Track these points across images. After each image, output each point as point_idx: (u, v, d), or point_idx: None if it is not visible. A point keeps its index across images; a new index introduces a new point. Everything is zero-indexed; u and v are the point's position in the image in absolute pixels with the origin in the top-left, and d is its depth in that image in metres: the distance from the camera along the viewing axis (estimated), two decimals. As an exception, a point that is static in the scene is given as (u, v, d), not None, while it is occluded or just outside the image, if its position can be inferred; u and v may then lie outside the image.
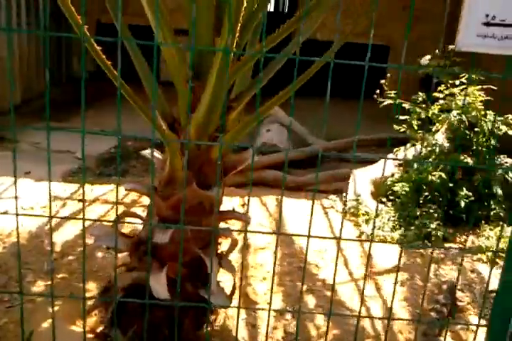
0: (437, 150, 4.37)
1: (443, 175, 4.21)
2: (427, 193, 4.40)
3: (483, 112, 4.58)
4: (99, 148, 5.32)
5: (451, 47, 4.81)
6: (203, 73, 2.05)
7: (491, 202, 4.54)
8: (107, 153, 5.36)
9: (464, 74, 4.59)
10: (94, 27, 9.02)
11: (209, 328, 2.37)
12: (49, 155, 1.42)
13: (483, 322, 3.01)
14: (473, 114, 4.49)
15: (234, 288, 2.35)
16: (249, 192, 3.33)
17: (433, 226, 4.10)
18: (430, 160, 4.43)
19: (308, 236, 1.38)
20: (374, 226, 3.53)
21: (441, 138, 4.55)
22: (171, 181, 2.16)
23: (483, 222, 4.43)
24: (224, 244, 2.55)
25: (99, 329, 2.30)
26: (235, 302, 2.44)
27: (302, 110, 4.85)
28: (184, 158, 2.03)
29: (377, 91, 4.60)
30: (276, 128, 5.66)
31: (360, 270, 3.39)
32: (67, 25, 1.84)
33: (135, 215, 2.35)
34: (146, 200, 3.88)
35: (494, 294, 3.38)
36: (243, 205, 4.27)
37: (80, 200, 3.99)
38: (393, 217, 4.23)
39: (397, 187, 4.34)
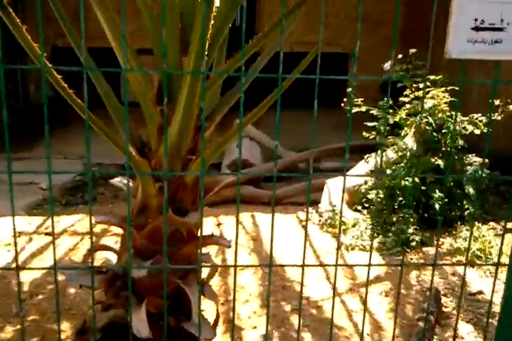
0: (408, 154, 4.37)
1: (416, 180, 4.21)
2: (401, 198, 4.40)
3: (448, 113, 4.63)
4: (64, 176, 5.11)
5: (412, 51, 4.88)
6: (172, 94, 1.96)
7: (464, 202, 4.58)
8: (72, 182, 5.13)
9: (427, 77, 4.63)
10: (49, 51, 8.81)
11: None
12: (11, 188, 1.29)
13: (469, 327, 2.99)
14: (440, 115, 4.53)
15: (218, 316, 2.24)
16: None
17: (410, 231, 4.10)
18: (402, 164, 4.44)
19: (303, 266, 1.30)
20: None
21: (410, 141, 4.56)
22: (144, 209, 2.04)
23: (458, 222, 4.46)
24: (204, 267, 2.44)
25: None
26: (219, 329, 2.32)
27: (270, 122, 4.79)
28: (164, 186, 1.93)
29: (344, 99, 4.60)
30: (246, 143, 5.59)
31: (344, 283, 3.32)
32: (21, 50, 1.72)
33: (108, 248, 2.21)
34: (117, 228, 3.72)
35: (475, 296, 3.42)
36: (218, 225, 4.16)
37: (46, 234, 3.78)
38: (370, 224, 4.20)
39: (371, 195, 4.32)
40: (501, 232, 4.61)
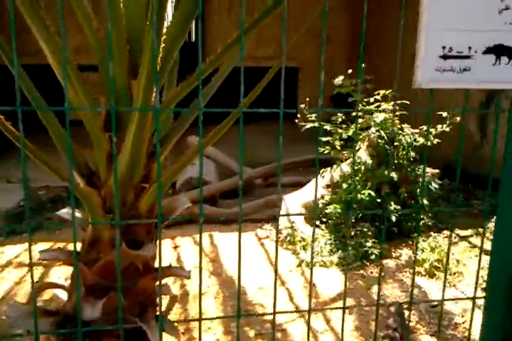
0: (362, 168, 4.39)
1: (372, 193, 4.23)
2: (358, 212, 4.41)
3: (399, 126, 4.70)
4: (7, 202, 4.81)
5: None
6: (122, 120, 1.85)
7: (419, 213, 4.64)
8: (17, 207, 4.84)
9: (377, 92, 4.70)
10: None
11: None
12: None
13: (433, 340, 2.98)
14: (391, 129, 4.59)
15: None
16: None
17: (369, 244, 4.10)
18: (357, 178, 4.45)
19: (274, 314, 1.21)
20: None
21: (364, 155, 4.59)
22: (95, 243, 1.91)
23: (415, 234, 4.51)
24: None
25: None
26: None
27: (222, 138, 4.71)
28: (116, 232, 1.81)
29: (298, 115, 4.59)
30: (197, 160, 5.47)
31: (307, 302, 3.25)
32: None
33: (56, 286, 2.06)
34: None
35: (436, 308, 3.43)
36: (175, 248, 4.02)
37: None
38: (329, 239, 4.17)
39: (329, 210, 4.30)
40: (456, 241, 4.73)
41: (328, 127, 4.47)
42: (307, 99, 4.56)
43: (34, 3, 1.66)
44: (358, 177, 4.43)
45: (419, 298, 3.53)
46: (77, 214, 2.10)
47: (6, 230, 4.33)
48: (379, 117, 4.55)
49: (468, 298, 1.33)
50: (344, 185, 4.41)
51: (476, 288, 1.59)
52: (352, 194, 4.34)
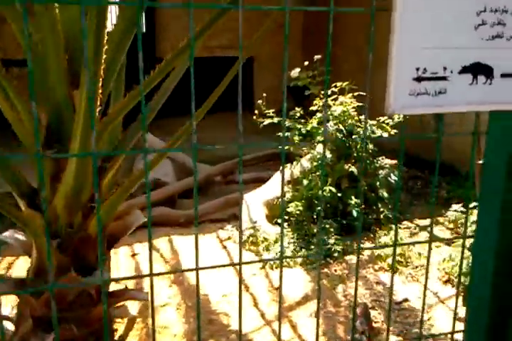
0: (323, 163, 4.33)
1: (332, 190, 4.19)
2: (319, 208, 4.36)
3: (357, 118, 4.66)
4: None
5: (316, 57, 4.85)
6: (63, 135, 1.69)
7: (379, 205, 4.64)
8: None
9: (334, 84, 4.63)
10: None
11: None
12: None
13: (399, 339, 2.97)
14: (349, 122, 4.55)
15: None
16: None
17: (332, 241, 4.06)
18: (317, 174, 4.40)
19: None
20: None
21: (322, 149, 4.54)
22: (42, 271, 1.75)
23: (375, 227, 4.51)
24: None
25: None
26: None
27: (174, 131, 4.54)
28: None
29: (256, 111, 4.47)
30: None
31: (272, 308, 3.18)
32: None
33: (3, 318, 1.89)
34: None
35: (401, 305, 3.43)
36: (133, 255, 3.86)
37: None
38: (292, 238, 4.11)
39: (291, 208, 4.23)
40: (416, 231, 4.76)
41: (286, 122, 4.38)
42: (264, 94, 4.45)
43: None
44: (318, 173, 4.37)
45: (385, 295, 3.52)
46: (20, 237, 1.93)
47: None
48: (337, 110, 4.50)
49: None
50: (305, 182, 4.35)
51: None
52: (313, 190, 4.29)
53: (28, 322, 1.71)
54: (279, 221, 4.43)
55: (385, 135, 4.69)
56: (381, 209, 4.65)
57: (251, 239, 4.08)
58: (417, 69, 0.76)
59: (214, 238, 4.27)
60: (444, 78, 0.77)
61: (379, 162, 4.81)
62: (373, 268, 3.88)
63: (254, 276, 3.57)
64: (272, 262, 3.76)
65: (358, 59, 7.31)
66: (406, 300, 3.40)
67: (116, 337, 1.97)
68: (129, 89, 1.73)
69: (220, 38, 8.56)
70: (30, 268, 1.78)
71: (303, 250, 3.96)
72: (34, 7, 1.59)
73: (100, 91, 1.61)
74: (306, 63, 4.75)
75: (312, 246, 4.00)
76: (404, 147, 0.88)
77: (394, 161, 5.16)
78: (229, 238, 4.24)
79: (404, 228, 4.67)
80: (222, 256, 3.94)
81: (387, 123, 4.72)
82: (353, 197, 4.38)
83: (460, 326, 1.17)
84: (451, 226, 4.68)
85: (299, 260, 3.84)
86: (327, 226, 4.16)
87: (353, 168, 4.42)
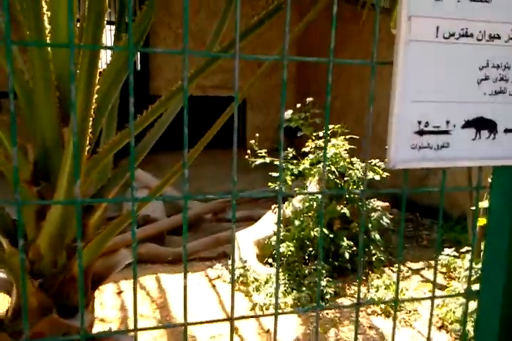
0: (314, 204, 4.30)
1: (325, 231, 4.14)
2: (311, 249, 4.30)
3: (349, 160, 4.67)
4: None
5: (308, 99, 4.91)
6: (51, 172, 1.65)
7: (371, 247, 4.59)
8: None
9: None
10: None
11: None
12: None
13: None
14: (341, 163, 4.55)
15: None
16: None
17: (323, 283, 3.97)
18: (309, 214, 4.36)
19: None
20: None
21: (314, 190, 4.52)
22: (22, 311, 1.67)
23: (367, 270, 4.44)
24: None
25: None
26: None
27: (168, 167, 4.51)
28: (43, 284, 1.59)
29: (248, 151, 4.47)
30: (145, 195, 5.24)
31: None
32: None
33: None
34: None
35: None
36: (119, 293, 3.74)
37: None
38: (283, 279, 4.02)
39: (282, 248, 4.16)
40: (408, 274, 4.69)
41: (278, 162, 4.37)
42: (256, 134, 4.47)
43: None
44: (310, 214, 4.33)
45: (377, 340, 3.42)
46: (1, 275, 1.86)
47: None
48: (329, 152, 4.51)
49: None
50: (296, 222, 4.30)
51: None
52: (305, 231, 4.23)
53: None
54: (270, 261, 4.35)
55: (377, 178, 4.69)
56: (373, 252, 4.59)
57: (241, 278, 3.99)
58: (419, 122, 0.74)
59: (203, 277, 4.17)
60: (446, 132, 0.76)
61: (371, 204, 4.80)
62: (366, 312, 3.78)
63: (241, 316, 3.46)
64: (261, 303, 3.66)
65: (348, 99, 7.44)
66: (399, 346, 3.30)
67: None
68: (122, 127, 1.71)
69: (213, 77, 8.71)
70: (10, 308, 1.70)
71: (294, 291, 3.87)
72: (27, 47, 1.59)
73: (90, 130, 1.58)
74: (299, 105, 4.80)
75: (303, 288, 3.91)
76: (403, 193, 0.85)
77: (386, 203, 5.15)
78: (218, 277, 4.15)
79: (397, 271, 4.59)
80: (211, 296, 3.84)
81: (379, 166, 4.73)
82: (345, 239, 4.33)
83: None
84: (444, 270, 4.61)
85: (290, 302, 3.74)
86: (319, 267, 4.08)
87: (345, 210, 4.39)
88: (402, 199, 0.82)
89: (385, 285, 4.02)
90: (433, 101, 0.73)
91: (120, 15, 1.85)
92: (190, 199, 5.61)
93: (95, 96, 1.55)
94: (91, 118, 1.50)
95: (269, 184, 4.54)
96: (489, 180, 0.84)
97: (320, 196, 4.41)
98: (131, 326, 3.27)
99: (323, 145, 4.50)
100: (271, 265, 4.30)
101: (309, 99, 4.87)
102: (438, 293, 4.08)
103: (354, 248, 4.38)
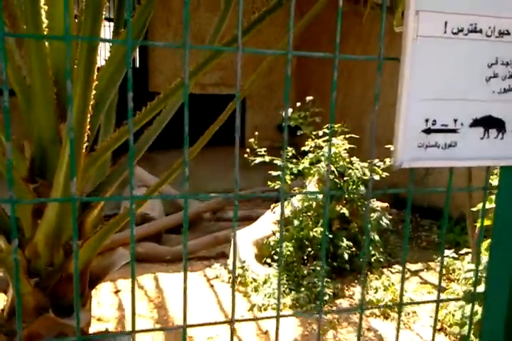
0: (314, 204, 4.28)
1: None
2: (310, 249, 4.28)
3: (348, 160, 4.65)
4: None
5: (308, 98, 4.89)
6: (48, 169, 1.63)
7: (370, 248, 4.57)
8: None
9: (326, 125, 4.64)
10: None
11: None
12: None
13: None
14: (341, 163, 4.53)
15: None
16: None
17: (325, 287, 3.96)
18: (309, 214, 4.34)
19: None
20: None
21: (313, 190, 4.50)
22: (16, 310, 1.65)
23: (366, 270, 4.42)
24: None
25: None
26: None
27: (163, 165, 4.47)
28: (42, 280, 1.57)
29: (248, 150, 4.45)
30: (143, 193, 5.21)
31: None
32: None
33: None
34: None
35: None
36: (116, 292, 3.72)
37: None
38: (281, 280, 4.00)
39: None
40: (407, 276, 4.67)
41: (278, 162, 4.35)
42: (256, 133, 4.45)
43: None
44: (309, 213, 4.31)
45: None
46: (-2, 274, 1.84)
47: None
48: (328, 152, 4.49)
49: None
50: (296, 222, 4.27)
51: None
52: (304, 231, 4.21)
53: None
54: (269, 261, 4.33)
55: (376, 177, 4.67)
56: (372, 252, 4.57)
57: (239, 279, 3.97)
58: (426, 120, 0.72)
59: (201, 276, 4.14)
60: (454, 131, 0.73)
61: (370, 204, 4.77)
62: (364, 314, 3.77)
63: (241, 318, 3.44)
64: (260, 304, 3.64)
65: (348, 98, 7.41)
66: (397, 348, 3.28)
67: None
68: (120, 124, 1.69)
69: (212, 75, 8.70)
70: (6, 307, 1.68)
71: (292, 292, 3.84)
72: (23, 40, 1.56)
73: (89, 126, 1.56)
74: (299, 104, 4.78)
75: (302, 288, 3.89)
76: (408, 193, 0.83)
77: (385, 204, 5.12)
78: (216, 277, 4.12)
79: (395, 272, 4.58)
80: (209, 296, 3.81)
81: (379, 166, 4.71)
82: (344, 239, 4.31)
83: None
84: (443, 271, 4.60)
85: (289, 303, 3.72)
86: (318, 268, 4.07)
87: (344, 210, 4.37)
88: (407, 199, 0.79)
89: (384, 286, 4.00)
90: (440, 99, 0.71)
91: (119, 11, 1.83)
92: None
93: (93, 92, 1.53)
94: (89, 115, 1.48)
95: (269, 183, 4.51)
96: (493, 182, 0.82)
97: (320, 196, 4.39)
98: (128, 325, 3.24)
99: (322, 144, 4.48)
100: (270, 265, 4.28)
101: (309, 98, 4.85)
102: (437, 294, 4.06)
103: (353, 248, 4.36)
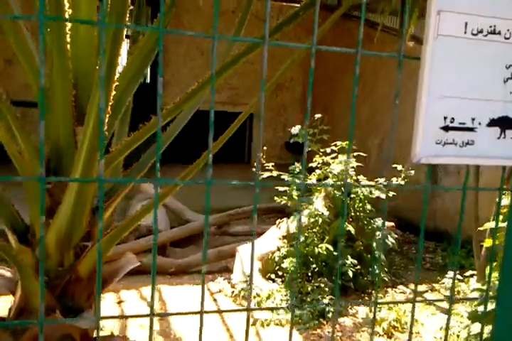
0: (320, 220, 4.28)
1: (330, 247, 4.11)
2: (314, 265, 4.26)
3: (355, 178, 4.67)
4: None
5: (316, 116, 4.93)
6: (63, 171, 1.65)
7: (375, 267, 4.54)
8: None
9: (334, 143, 4.67)
10: None
11: None
12: None
13: None
14: (348, 180, 4.54)
15: None
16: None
17: (326, 301, 3.92)
18: (314, 230, 4.33)
19: None
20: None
21: (320, 206, 4.50)
22: (25, 310, 1.65)
23: (370, 289, 4.39)
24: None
25: None
26: None
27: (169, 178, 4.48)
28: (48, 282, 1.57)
29: (255, 164, 4.47)
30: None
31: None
32: None
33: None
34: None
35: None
36: (119, 303, 3.70)
37: None
38: (285, 295, 3.97)
39: (286, 264, 4.13)
40: (411, 296, 4.63)
41: (286, 177, 4.37)
42: (264, 147, 4.48)
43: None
44: (315, 230, 4.31)
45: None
46: (6, 274, 1.84)
47: None
48: (336, 168, 4.51)
49: None
50: (301, 237, 4.27)
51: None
52: (309, 247, 4.20)
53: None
54: (273, 276, 4.31)
55: (383, 196, 4.67)
56: (377, 271, 4.54)
57: (242, 293, 3.94)
58: (445, 118, 0.74)
59: (204, 290, 4.12)
60: (471, 129, 0.75)
61: (376, 223, 4.76)
62: (367, 332, 3.72)
63: (244, 333, 3.41)
64: (263, 319, 3.61)
65: (355, 121, 7.46)
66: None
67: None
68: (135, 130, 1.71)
69: (220, 94, 8.84)
70: (13, 307, 1.68)
71: (296, 308, 3.81)
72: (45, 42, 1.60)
73: (105, 128, 1.59)
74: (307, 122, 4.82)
75: (306, 305, 3.86)
76: (425, 191, 0.84)
77: (391, 223, 5.11)
78: (219, 291, 4.10)
79: (400, 292, 4.55)
80: (212, 309, 3.79)
81: (385, 185, 4.71)
82: (349, 257, 4.29)
83: None
84: (448, 293, 4.55)
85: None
86: (322, 285, 4.04)
87: (350, 227, 4.36)
88: (424, 199, 0.80)
89: (388, 306, 3.96)
90: (459, 98, 0.73)
91: (136, 22, 1.88)
92: (195, 212, 5.60)
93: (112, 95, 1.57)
94: (107, 116, 1.51)
95: (275, 198, 4.52)
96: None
97: (326, 213, 4.39)
98: (131, 335, 3.22)
99: (330, 161, 4.50)
100: (273, 281, 4.26)
101: (317, 116, 4.89)
102: (441, 316, 4.03)
103: (358, 266, 4.34)
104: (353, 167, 4.70)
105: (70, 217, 1.65)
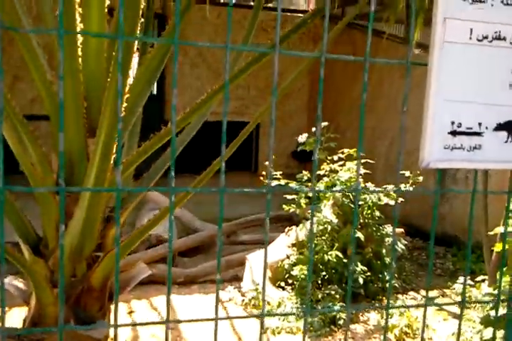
0: (329, 228, 4.28)
1: (339, 255, 4.10)
2: (324, 273, 4.25)
3: (363, 185, 4.67)
4: None
5: (323, 124, 4.94)
6: (74, 182, 1.67)
7: (385, 273, 4.53)
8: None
9: (341, 150, 4.69)
10: None
11: None
12: None
13: None
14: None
15: None
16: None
17: (337, 308, 3.91)
18: (323, 238, 4.33)
19: None
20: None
21: (328, 213, 4.50)
22: (39, 321, 1.67)
23: (380, 296, 4.37)
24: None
25: None
26: None
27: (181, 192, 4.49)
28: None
29: (263, 172, 4.49)
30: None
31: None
32: None
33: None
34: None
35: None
36: (130, 313, 3.71)
37: None
38: (296, 303, 3.97)
39: (295, 271, 4.12)
40: (422, 302, 4.60)
41: (293, 185, 4.38)
42: (273, 156, 4.49)
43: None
44: (324, 237, 4.30)
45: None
46: (20, 285, 1.86)
47: None
48: (344, 176, 4.51)
49: None
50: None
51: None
52: (318, 254, 4.19)
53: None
54: (283, 284, 4.30)
55: (392, 202, 4.67)
56: (386, 278, 4.52)
57: (253, 301, 3.94)
58: (452, 122, 0.75)
59: (215, 299, 4.12)
60: (479, 134, 0.77)
61: (385, 230, 4.76)
62: (379, 339, 3.71)
63: (247, 334, 3.41)
64: (273, 327, 3.60)
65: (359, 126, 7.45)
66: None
67: None
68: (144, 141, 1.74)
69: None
70: (28, 318, 1.70)
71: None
72: (55, 59, 1.64)
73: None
74: (314, 129, 4.84)
75: (318, 310, 3.85)
76: (435, 194, 0.85)
77: (400, 229, 5.10)
78: (230, 300, 4.10)
79: (411, 298, 4.53)
80: (223, 319, 3.78)
81: (394, 192, 4.70)
82: (359, 264, 4.28)
83: None
84: (459, 299, 4.52)
85: (302, 326, 3.67)
86: (332, 292, 4.03)
87: (359, 234, 4.35)
88: (434, 204, 0.82)
89: (399, 311, 3.94)
90: (466, 103, 0.75)
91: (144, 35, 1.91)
92: (203, 221, 5.60)
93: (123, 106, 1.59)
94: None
95: (284, 206, 4.53)
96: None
97: (335, 220, 4.39)
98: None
99: (337, 168, 4.50)
100: (283, 288, 4.25)
101: (324, 124, 4.91)
102: (453, 321, 4.00)
103: (368, 273, 4.32)
104: (361, 174, 4.70)
105: (82, 228, 1.67)
